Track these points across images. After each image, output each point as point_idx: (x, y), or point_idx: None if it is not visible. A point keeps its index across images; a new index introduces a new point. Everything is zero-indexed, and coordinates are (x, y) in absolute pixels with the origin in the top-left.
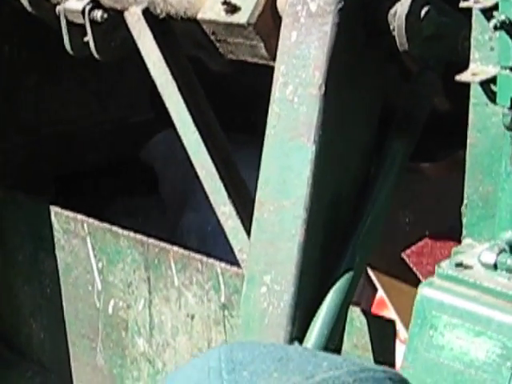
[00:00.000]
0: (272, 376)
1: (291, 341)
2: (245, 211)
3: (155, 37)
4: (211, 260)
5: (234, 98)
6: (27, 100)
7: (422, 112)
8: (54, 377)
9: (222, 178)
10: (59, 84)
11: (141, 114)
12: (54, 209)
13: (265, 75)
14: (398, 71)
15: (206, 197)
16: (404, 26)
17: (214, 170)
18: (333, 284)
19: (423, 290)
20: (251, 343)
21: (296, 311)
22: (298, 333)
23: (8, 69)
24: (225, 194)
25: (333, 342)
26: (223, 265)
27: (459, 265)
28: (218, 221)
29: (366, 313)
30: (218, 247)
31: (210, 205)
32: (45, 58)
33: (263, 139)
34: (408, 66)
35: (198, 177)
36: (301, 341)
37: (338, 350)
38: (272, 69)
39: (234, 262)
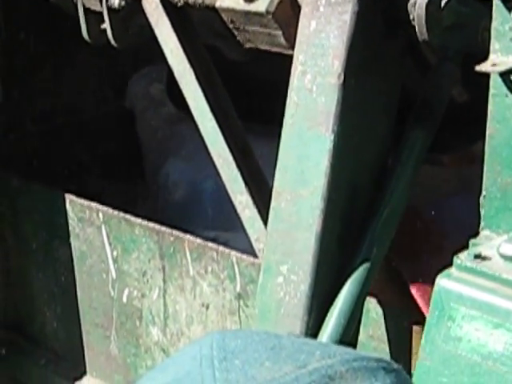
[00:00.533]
0: (264, 365)
1: (307, 331)
2: (262, 200)
3: (173, 25)
4: (227, 249)
5: (250, 88)
6: (43, 89)
7: (441, 102)
8: (67, 365)
9: (238, 166)
10: (75, 73)
11: None
12: (68, 197)
13: (281, 64)
14: (417, 61)
15: (202, 147)
16: (424, 16)
17: (230, 158)
18: (350, 275)
19: (441, 282)
20: (244, 331)
21: (312, 301)
22: (314, 323)
23: (24, 57)
24: (242, 182)
25: (349, 333)
26: (239, 254)
27: (477, 256)
28: (220, 179)
29: (382, 304)
30: (212, 206)
31: (208, 157)
32: (60, 46)
33: (280, 129)
34: (427, 56)
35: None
36: (317, 331)
37: (354, 341)
38: (290, 58)
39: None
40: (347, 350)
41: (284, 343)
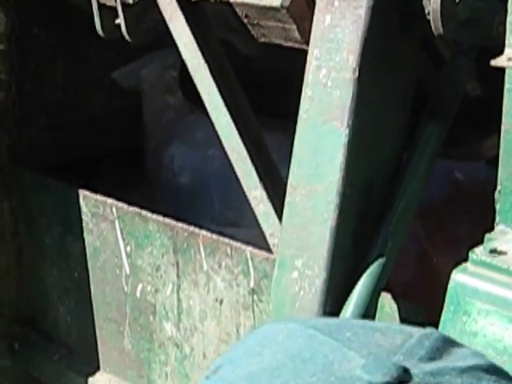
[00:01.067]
0: (375, 336)
1: None
2: (276, 195)
3: (187, 19)
4: (241, 244)
5: (263, 82)
6: (55, 84)
7: (456, 97)
8: (80, 360)
9: (253, 161)
10: (87, 68)
11: None
12: (82, 192)
13: (295, 59)
14: (432, 56)
15: (214, 135)
16: (439, 10)
17: (245, 153)
18: (365, 270)
19: (457, 276)
20: (309, 318)
21: (327, 296)
22: None
23: (36, 52)
24: (256, 177)
25: None
26: (253, 249)
27: (493, 251)
28: (231, 165)
29: (397, 299)
30: (217, 191)
31: (220, 146)
32: (73, 40)
33: (294, 123)
34: (442, 50)
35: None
36: None
37: None
38: (304, 52)
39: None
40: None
41: (365, 322)
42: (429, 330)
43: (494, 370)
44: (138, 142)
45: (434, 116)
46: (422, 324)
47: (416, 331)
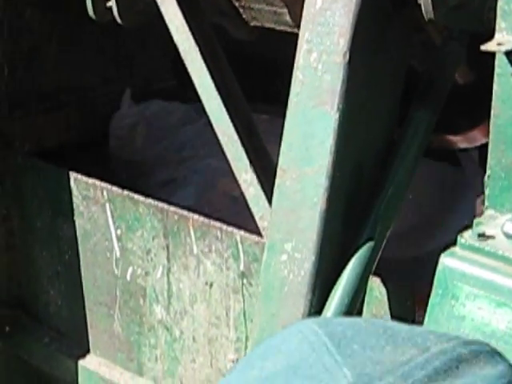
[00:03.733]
0: (385, 349)
1: (311, 309)
2: (266, 179)
3: (179, 2)
4: (231, 228)
5: (255, 67)
6: (47, 67)
7: (446, 82)
8: (70, 343)
9: (243, 144)
10: (79, 51)
11: (162, 82)
12: (73, 175)
13: (288, 44)
14: (423, 41)
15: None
16: None
17: (235, 136)
18: (354, 253)
19: (445, 260)
20: (338, 319)
21: (316, 280)
22: (317, 301)
23: (29, 36)
24: (246, 161)
25: (352, 312)
26: (243, 233)
27: (481, 235)
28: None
29: (386, 283)
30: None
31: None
32: (65, 25)
33: (285, 108)
34: (432, 36)
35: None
36: (320, 310)
37: None
38: (296, 36)
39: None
40: (452, 335)
41: (394, 329)
42: (460, 341)
43: None
44: None
45: (425, 101)
46: (411, 308)
47: (442, 342)
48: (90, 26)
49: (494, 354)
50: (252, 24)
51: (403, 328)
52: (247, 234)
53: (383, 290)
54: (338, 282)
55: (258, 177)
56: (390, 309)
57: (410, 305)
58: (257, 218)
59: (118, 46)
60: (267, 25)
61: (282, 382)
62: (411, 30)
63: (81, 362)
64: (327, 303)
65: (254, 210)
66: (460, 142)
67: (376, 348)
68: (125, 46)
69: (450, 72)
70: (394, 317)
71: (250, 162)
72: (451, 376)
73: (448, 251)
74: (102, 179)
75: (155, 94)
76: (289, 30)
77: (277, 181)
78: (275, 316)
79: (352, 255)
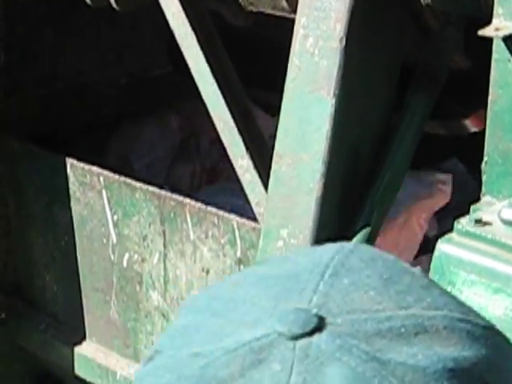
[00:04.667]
0: (367, 293)
1: None
2: (263, 165)
3: None
4: (227, 214)
5: (253, 54)
6: (43, 53)
7: (443, 67)
8: (67, 330)
9: (240, 130)
10: (76, 37)
11: (158, 68)
12: (69, 161)
13: (285, 30)
14: (420, 27)
15: None
16: None
17: (232, 122)
18: (350, 239)
19: (442, 247)
20: (379, 252)
21: None
22: None
23: (25, 21)
24: (243, 147)
25: None
26: (239, 219)
27: (478, 221)
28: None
29: None
30: None
31: None
32: (61, 10)
33: (281, 94)
34: (429, 21)
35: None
36: None
37: None
38: (292, 22)
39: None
40: (463, 308)
41: (402, 278)
42: (446, 315)
43: None
44: (128, 111)
45: (421, 86)
46: None
47: (430, 309)
48: (87, 12)
49: (479, 340)
50: (249, 9)
51: (414, 283)
52: (244, 220)
53: None
54: None
55: (255, 163)
56: None
57: None
58: (253, 204)
59: (115, 32)
60: (264, 10)
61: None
62: (408, 16)
63: (77, 349)
64: None
65: (250, 196)
66: (454, 128)
67: (361, 289)
68: (122, 32)
69: (447, 57)
70: None
71: (247, 148)
72: (398, 340)
73: (445, 237)
74: (97, 165)
75: (151, 81)
76: (285, 15)
77: (273, 166)
78: None
79: (348, 241)
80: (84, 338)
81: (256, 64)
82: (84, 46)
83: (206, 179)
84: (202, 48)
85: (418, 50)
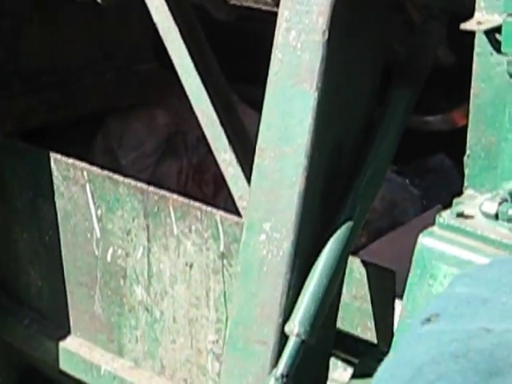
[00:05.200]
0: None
1: (290, 289)
2: (245, 158)
3: None
4: (211, 209)
5: (237, 47)
6: (29, 48)
7: (426, 61)
8: (51, 324)
9: (222, 124)
10: (62, 32)
11: (144, 63)
12: (53, 156)
13: (268, 23)
14: (403, 20)
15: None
16: None
17: (215, 116)
18: (332, 233)
19: (423, 240)
20: None
21: (295, 259)
22: (296, 281)
23: (10, 17)
24: (226, 140)
25: (331, 292)
26: (223, 213)
27: (460, 215)
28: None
29: (366, 264)
30: None
31: None
32: (47, 6)
33: (264, 88)
34: (412, 14)
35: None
36: (299, 289)
37: (337, 300)
38: (275, 15)
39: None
40: None
41: None
42: None
43: None
44: (115, 106)
45: (404, 80)
46: (391, 290)
47: None
48: (73, 7)
49: None
50: (232, 3)
51: None
52: (227, 215)
53: (363, 271)
54: (316, 262)
55: (237, 156)
56: (370, 289)
57: (390, 285)
58: (236, 197)
59: (101, 28)
60: (247, 4)
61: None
62: (391, 9)
63: (61, 344)
64: (306, 283)
65: (233, 189)
66: (439, 123)
67: (498, 300)
68: (108, 27)
69: (430, 51)
70: (374, 297)
71: (230, 141)
72: None
73: (426, 231)
74: (83, 160)
75: (138, 76)
76: (268, 8)
77: (255, 160)
78: (254, 295)
79: (331, 235)
80: (69, 332)
81: (240, 58)
82: (70, 41)
83: (192, 175)
84: (185, 42)
85: (401, 44)
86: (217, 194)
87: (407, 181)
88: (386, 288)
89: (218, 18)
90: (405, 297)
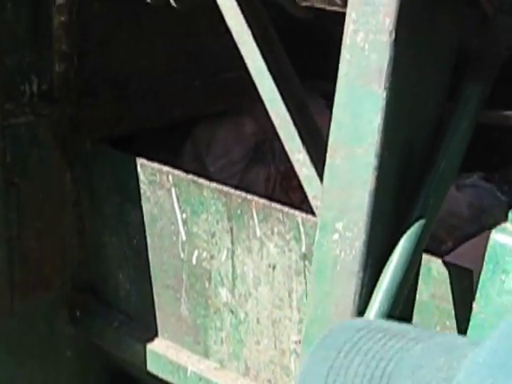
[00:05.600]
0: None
1: (363, 288)
2: (319, 158)
3: None
4: (292, 210)
5: (315, 45)
6: (116, 56)
7: (497, 56)
8: (139, 327)
9: (296, 125)
10: (150, 39)
11: (231, 71)
12: (139, 161)
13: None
14: (475, 14)
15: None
16: None
17: (288, 117)
18: (405, 231)
19: (496, 236)
20: None
21: (368, 258)
22: (369, 280)
23: (100, 25)
24: (299, 141)
25: (404, 290)
26: (304, 215)
27: None
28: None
29: (445, 262)
30: None
31: None
32: (134, 14)
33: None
34: (485, 8)
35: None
36: (372, 288)
37: (411, 298)
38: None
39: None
40: None
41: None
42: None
43: None
44: (203, 112)
45: (475, 75)
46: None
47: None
48: (161, 15)
49: None
50: (302, 4)
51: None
52: (309, 216)
53: (442, 270)
54: (389, 260)
55: (311, 157)
56: (450, 288)
57: (468, 284)
58: (310, 197)
59: (189, 35)
60: (317, 5)
61: None
62: (463, 4)
63: (149, 346)
64: (378, 282)
65: (307, 189)
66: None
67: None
68: (195, 35)
69: (501, 46)
70: (453, 296)
71: (303, 142)
72: None
73: (499, 227)
74: (172, 166)
75: (225, 83)
76: (337, 9)
77: (327, 160)
78: (328, 294)
79: (403, 233)
80: (156, 334)
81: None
82: (158, 49)
83: (280, 182)
84: (257, 43)
85: (473, 38)
86: (304, 201)
87: (495, 187)
88: (465, 287)
89: (296, 16)
90: (477, 292)
